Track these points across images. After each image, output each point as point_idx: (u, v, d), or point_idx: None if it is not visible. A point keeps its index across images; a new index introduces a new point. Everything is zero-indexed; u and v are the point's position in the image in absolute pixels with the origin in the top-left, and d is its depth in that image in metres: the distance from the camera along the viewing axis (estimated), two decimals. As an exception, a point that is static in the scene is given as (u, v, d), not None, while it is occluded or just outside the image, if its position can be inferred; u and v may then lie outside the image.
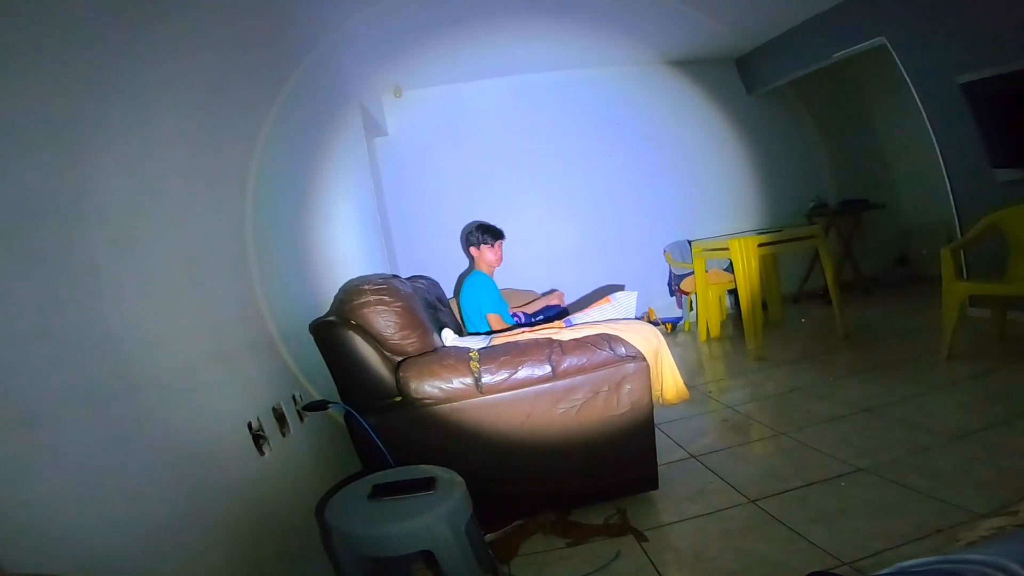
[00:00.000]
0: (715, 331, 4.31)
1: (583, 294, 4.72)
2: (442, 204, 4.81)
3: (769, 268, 4.31)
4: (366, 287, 1.86)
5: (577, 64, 4.90)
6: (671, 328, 4.77)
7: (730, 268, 3.94)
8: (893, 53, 3.71)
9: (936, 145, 3.65)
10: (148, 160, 1.27)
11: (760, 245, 3.56)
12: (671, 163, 5.12)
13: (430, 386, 1.72)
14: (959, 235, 3.53)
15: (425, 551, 1.28)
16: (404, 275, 2.75)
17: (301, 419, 1.77)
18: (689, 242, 4.66)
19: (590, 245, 4.98)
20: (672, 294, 4.95)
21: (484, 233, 3.25)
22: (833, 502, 1.73)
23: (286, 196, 2.15)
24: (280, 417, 1.63)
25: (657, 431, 1.90)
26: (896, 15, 3.63)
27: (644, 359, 1.83)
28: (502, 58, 4.51)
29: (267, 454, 1.49)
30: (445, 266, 4.45)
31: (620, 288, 4.39)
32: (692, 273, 4.32)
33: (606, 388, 1.79)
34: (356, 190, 3.22)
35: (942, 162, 3.64)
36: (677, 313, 4.97)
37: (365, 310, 1.80)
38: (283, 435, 1.62)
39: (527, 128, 4.93)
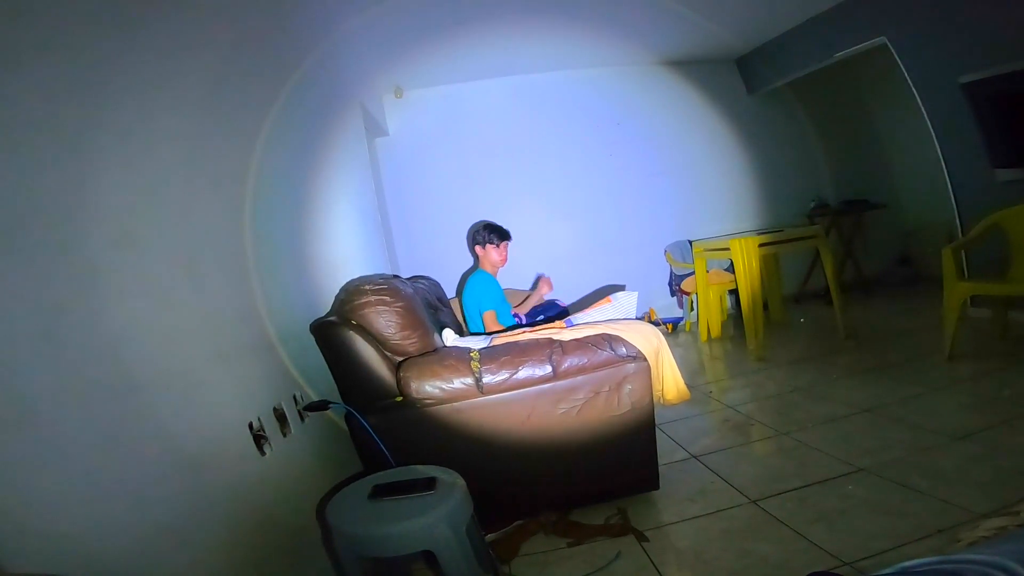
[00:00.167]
0: (716, 331, 4.31)
1: (584, 294, 4.72)
2: (443, 204, 4.81)
3: (770, 268, 4.30)
4: (367, 287, 1.86)
5: (578, 64, 4.90)
6: (672, 328, 4.76)
7: (731, 268, 3.94)
8: (894, 53, 3.70)
9: (937, 145, 3.65)
10: (149, 160, 1.27)
11: (761, 245, 3.56)
12: (672, 163, 5.12)
13: (431, 386, 1.72)
14: (960, 235, 3.53)
15: (426, 551, 1.28)
16: (405, 275, 2.75)
17: (302, 419, 1.77)
18: (690, 242, 4.66)
19: (591, 245, 4.98)
20: (673, 294, 4.95)
21: (491, 233, 3.27)
22: (834, 502, 1.72)
23: (287, 196, 2.15)
24: (281, 417, 1.63)
25: (658, 431, 1.90)
26: (897, 15, 3.62)
27: (645, 359, 1.83)
28: (503, 58, 4.51)
29: (268, 454, 1.49)
30: (446, 266, 4.44)
31: (621, 288, 4.38)
32: (693, 273, 4.32)
33: (607, 388, 1.79)
34: (357, 190, 3.22)
35: (943, 162, 3.64)
36: (678, 313, 4.97)
37: (366, 310, 1.80)
38: (284, 435, 1.62)
39: (528, 128, 4.93)
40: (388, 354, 1.81)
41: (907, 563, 0.52)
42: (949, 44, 3.35)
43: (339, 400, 1.77)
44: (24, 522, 0.80)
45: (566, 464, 1.83)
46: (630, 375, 1.80)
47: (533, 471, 1.82)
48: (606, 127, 5.05)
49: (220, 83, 1.68)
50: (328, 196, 2.64)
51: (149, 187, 1.25)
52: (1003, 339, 2.98)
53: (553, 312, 3.31)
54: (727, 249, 3.65)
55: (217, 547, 1.19)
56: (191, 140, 1.46)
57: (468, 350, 1.85)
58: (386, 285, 1.89)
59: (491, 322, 3.07)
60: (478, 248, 3.33)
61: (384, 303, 1.82)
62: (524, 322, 3.26)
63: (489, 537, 1.73)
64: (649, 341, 1.88)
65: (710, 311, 4.26)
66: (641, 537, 1.71)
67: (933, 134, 3.65)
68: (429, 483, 1.37)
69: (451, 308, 3.14)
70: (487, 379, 1.74)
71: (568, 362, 1.78)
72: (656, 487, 1.92)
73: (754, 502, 1.81)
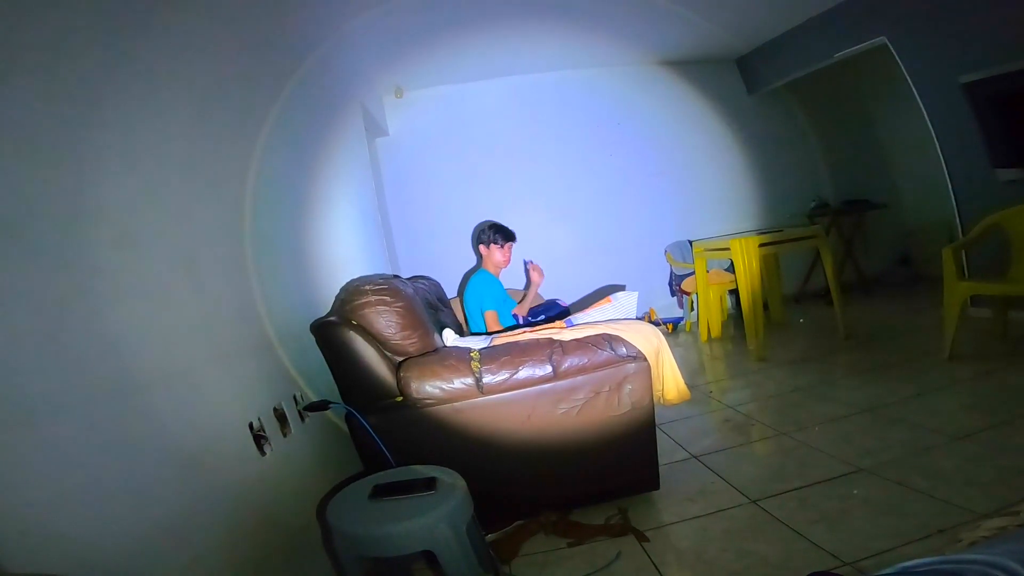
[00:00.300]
0: (716, 331, 4.31)
1: (584, 294, 4.72)
2: (443, 204, 4.81)
3: (770, 268, 4.30)
4: (367, 287, 1.86)
5: (578, 64, 4.91)
6: (672, 328, 4.76)
7: (731, 268, 3.94)
8: (894, 53, 3.70)
9: (937, 145, 3.65)
10: (149, 160, 1.27)
11: (761, 245, 3.55)
12: (672, 163, 5.12)
13: (431, 386, 1.72)
14: (960, 235, 3.53)
15: (426, 551, 1.28)
16: (405, 275, 2.75)
17: (302, 419, 1.77)
18: (690, 242, 4.66)
19: (591, 245, 4.98)
20: (673, 294, 4.95)
21: (496, 233, 3.28)
22: (834, 502, 1.72)
23: (287, 197, 2.15)
24: (281, 417, 1.63)
25: (658, 431, 1.90)
26: (897, 15, 3.62)
27: (645, 359, 1.83)
28: (503, 59, 4.51)
29: (268, 454, 1.49)
30: (446, 266, 4.45)
31: (621, 288, 4.38)
32: (693, 273, 4.32)
33: (607, 388, 1.79)
34: (357, 190, 3.22)
35: (943, 162, 3.64)
36: (678, 313, 4.97)
37: (366, 310, 1.80)
38: (284, 435, 1.62)
39: (528, 128, 4.93)
40: (388, 354, 1.81)
41: (907, 563, 0.52)
42: (949, 44, 3.35)
43: (339, 400, 1.77)
44: (24, 522, 0.80)
45: (566, 464, 1.82)
46: (630, 375, 1.80)
47: (533, 471, 1.82)
48: (606, 127, 5.05)
49: (220, 84, 1.68)
50: (328, 196, 2.64)
51: (149, 187, 1.25)
52: (1003, 339, 2.98)
53: (553, 312, 3.32)
54: (727, 249, 3.65)
55: (217, 547, 1.19)
56: (191, 140, 1.47)
57: (468, 350, 1.85)
58: (386, 285, 1.89)
59: (493, 322, 3.08)
60: (482, 247, 3.34)
61: (384, 303, 1.82)
62: (524, 322, 3.26)
63: (489, 537, 1.74)
64: (649, 341, 1.88)
65: (710, 311, 4.26)
66: (641, 537, 1.71)
67: (933, 134, 3.65)
68: (429, 483, 1.37)
69: (451, 308, 3.14)
70: (487, 379, 1.74)
71: (568, 362, 1.78)
72: (656, 487, 1.92)
73: (754, 502, 1.81)
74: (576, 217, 4.99)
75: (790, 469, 1.99)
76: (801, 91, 5.13)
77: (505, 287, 3.43)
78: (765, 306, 4.02)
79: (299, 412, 1.76)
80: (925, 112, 3.65)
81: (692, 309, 4.63)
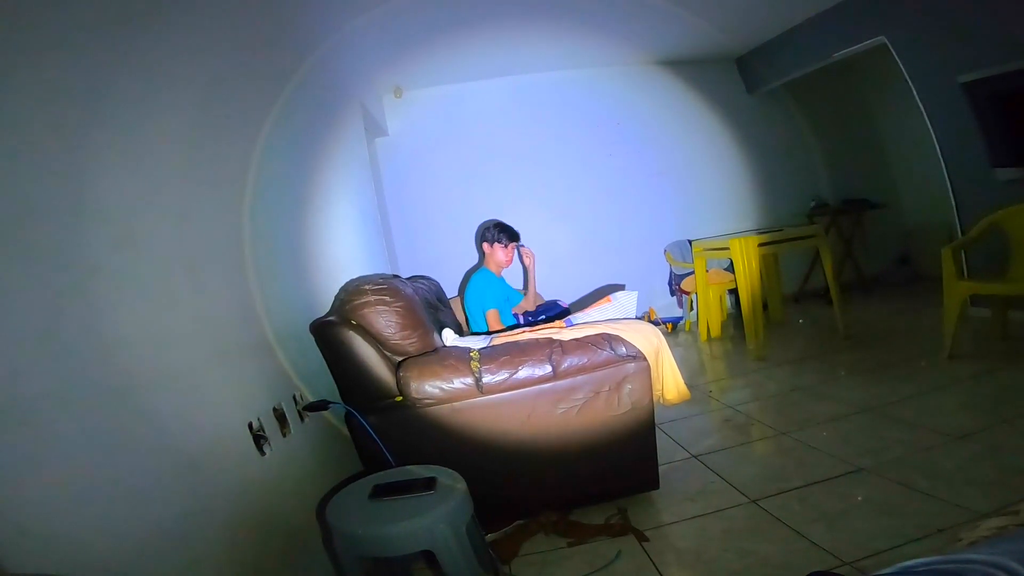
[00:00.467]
0: (716, 331, 4.31)
1: (583, 294, 4.72)
2: (443, 204, 4.81)
3: (770, 268, 4.30)
4: (367, 287, 1.86)
5: (578, 64, 4.90)
6: (672, 328, 4.76)
7: (731, 268, 3.94)
8: (893, 52, 3.70)
9: (937, 144, 3.65)
10: (149, 161, 1.27)
11: (761, 245, 3.56)
12: (672, 163, 5.12)
13: (431, 386, 1.72)
14: (960, 234, 3.53)
15: (426, 551, 1.28)
16: (405, 275, 2.75)
17: (302, 419, 1.77)
18: (690, 242, 4.66)
19: (591, 245, 4.98)
20: (672, 294, 4.95)
21: (501, 232, 3.28)
22: (834, 502, 1.72)
23: (287, 196, 2.14)
24: (281, 417, 1.63)
25: (658, 431, 1.90)
26: (897, 14, 3.62)
27: (645, 359, 1.83)
28: (503, 58, 4.50)
29: (268, 454, 1.49)
30: (446, 266, 4.44)
31: (620, 288, 4.38)
32: (693, 273, 4.32)
33: (607, 388, 1.79)
34: (356, 190, 3.22)
35: (943, 161, 3.64)
36: (678, 313, 4.97)
37: (366, 310, 1.81)
38: (284, 435, 1.62)
39: (528, 128, 4.93)
40: (388, 354, 1.81)
41: (907, 563, 0.52)
42: (949, 43, 3.35)
43: (339, 400, 1.77)
44: (24, 522, 0.80)
45: (566, 464, 1.82)
46: (630, 375, 1.80)
47: (533, 471, 1.82)
48: (606, 127, 5.05)
49: (220, 84, 1.68)
50: (328, 196, 2.64)
51: (149, 188, 1.25)
52: (1003, 338, 2.98)
53: (554, 312, 3.31)
54: (727, 249, 3.65)
55: (217, 547, 1.19)
56: (191, 140, 1.46)
57: (468, 350, 1.85)
58: (386, 285, 1.89)
59: (494, 321, 3.08)
60: (485, 245, 3.34)
61: (384, 303, 1.82)
62: (524, 322, 3.26)
63: (489, 537, 1.73)
64: (649, 341, 1.88)
65: (710, 311, 4.26)
66: (641, 537, 1.71)
67: (933, 133, 3.65)
68: (429, 483, 1.37)
69: (451, 308, 3.14)
70: (487, 379, 1.74)
71: (568, 362, 1.78)
72: (656, 487, 1.92)
73: (754, 502, 1.81)
74: (576, 217, 4.99)
75: (790, 469, 1.99)
76: (801, 91, 5.13)
77: (510, 283, 3.44)
78: (765, 306, 4.02)
79: (299, 412, 1.76)
80: (924, 111, 3.65)
81: (692, 309, 4.63)
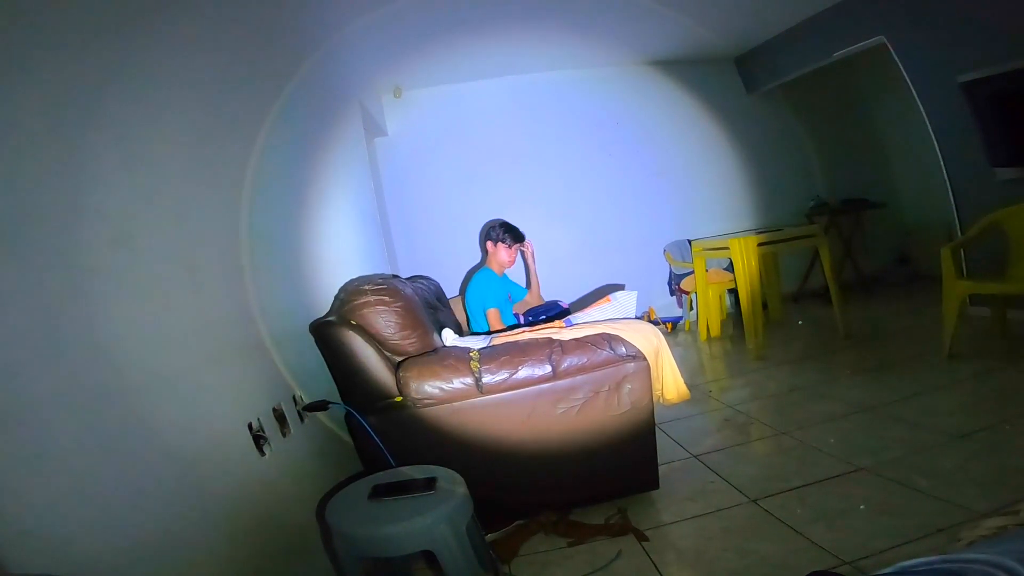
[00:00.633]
0: (715, 330, 4.31)
1: (583, 294, 4.72)
2: (442, 204, 4.81)
3: (769, 267, 4.30)
4: (366, 287, 1.86)
5: (578, 65, 4.90)
6: (671, 327, 4.76)
7: (730, 267, 3.94)
8: (893, 52, 3.70)
9: (936, 144, 3.65)
10: (148, 161, 1.27)
11: (760, 244, 3.56)
12: (671, 162, 5.12)
13: (430, 386, 1.72)
14: (959, 234, 3.53)
15: (426, 551, 1.28)
16: (404, 275, 2.75)
17: (301, 420, 1.77)
18: (689, 241, 4.66)
19: (590, 244, 4.98)
20: (672, 293, 4.95)
21: (505, 232, 3.28)
22: (834, 501, 1.72)
23: (286, 197, 2.14)
24: (280, 417, 1.63)
25: (658, 431, 1.90)
26: (896, 14, 3.62)
27: (644, 358, 1.83)
28: (502, 58, 4.50)
29: (267, 454, 1.49)
30: (445, 266, 4.45)
31: (620, 287, 4.38)
32: (692, 272, 4.32)
33: (606, 388, 1.79)
34: (356, 191, 3.22)
35: (942, 161, 3.64)
36: (677, 312, 4.96)
37: (365, 310, 1.80)
38: (283, 435, 1.62)
39: (527, 128, 4.93)
40: (387, 354, 1.81)
41: (907, 562, 0.52)
42: (948, 43, 3.35)
43: (339, 400, 1.77)
44: (23, 523, 0.80)
45: (566, 464, 1.82)
46: (630, 374, 1.80)
47: (533, 471, 1.82)
48: (606, 127, 5.04)
49: (219, 84, 1.68)
50: (327, 196, 2.64)
51: (147, 188, 1.25)
52: (1003, 337, 2.98)
53: (553, 312, 3.31)
54: (726, 248, 3.65)
55: (217, 547, 1.19)
56: (190, 141, 1.46)
57: (468, 350, 1.85)
58: (385, 285, 1.89)
59: (495, 320, 3.08)
60: (489, 244, 3.33)
61: (383, 303, 1.82)
62: (524, 322, 3.26)
63: (489, 537, 1.73)
64: (649, 340, 1.88)
65: (709, 310, 4.26)
66: (641, 537, 1.71)
67: (932, 133, 3.65)
68: (429, 483, 1.37)
69: (450, 308, 3.14)
70: (487, 379, 1.74)
71: (568, 362, 1.78)
72: (656, 486, 1.92)
73: (754, 501, 1.81)
74: (575, 217, 4.99)
75: (790, 468, 1.99)
76: (800, 90, 5.13)
77: (513, 278, 3.44)
78: (764, 305, 4.02)
79: (298, 412, 1.76)
80: (924, 111, 3.65)
81: (691, 308, 4.63)
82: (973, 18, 3.17)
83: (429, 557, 1.33)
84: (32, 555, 0.78)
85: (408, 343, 1.85)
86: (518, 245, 3.33)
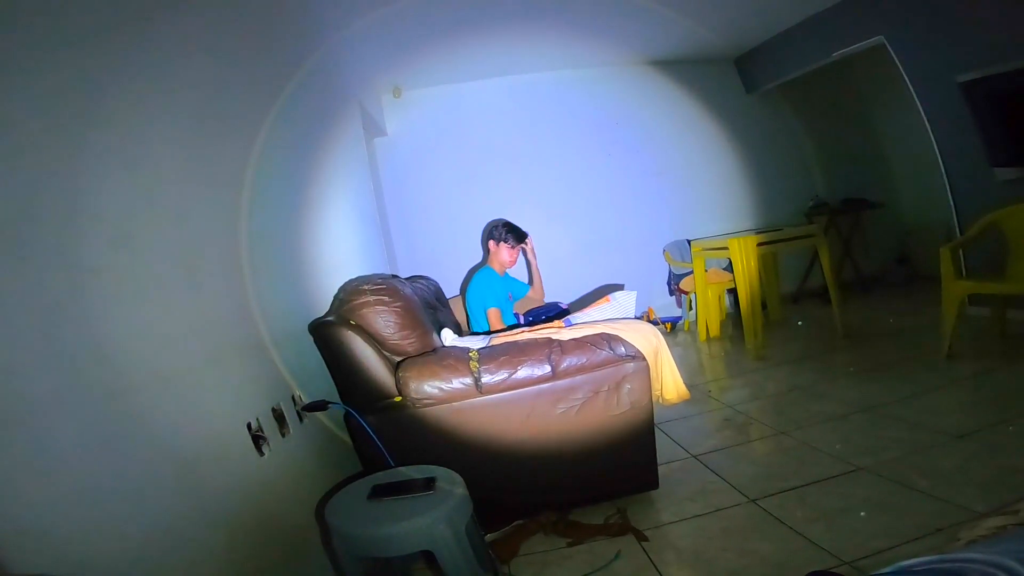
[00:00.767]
0: (715, 330, 4.31)
1: (582, 294, 4.72)
2: (441, 204, 4.81)
3: (768, 267, 4.31)
4: (365, 287, 1.86)
5: (577, 64, 4.90)
6: (671, 327, 4.77)
7: (729, 267, 3.94)
8: (892, 52, 3.70)
9: (935, 144, 3.65)
10: (147, 162, 1.27)
11: (759, 244, 3.56)
12: (671, 162, 5.12)
13: (430, 386, 1.72)
14: (958, 234, 3.53)
15: (425, 551, 1.28)
16: (404, 275, 2.75)
17: (301, 420, 1.77)
18: (688, 241, 4.66)
19: (589, 244, 4.98)
20: (671, 293, 4.95)
21: (508, 233, 3.29)
22: (834, 501, 1.72)
23: (286, 197, 2.14)
24: (280, 417, 1.63)
25: (657, 431, 1.90)
26: (895, 14, 3.63)
27: (644, 359, 1.83)
28: (501, 58, 4.50)
29: (267, 454, 1.49)
30: (445, 266, 4.44)
31: (619, 287, 4.38)
32: (691, 272, 4.32)
33: (606, 388, 1.79)
34: (355, 190, 3.22)
35: (941, 161, 3.64)
36: (676, 312, 4.97)
37: (365, 310, 1.80)
38: (283, 435, 1.61)
39: (527, 128, 4.93)
40: (387, 354, 1.81)
41: (906, 562, 0.52)
42: (947, 43, 3.36)
43: (338, 400, 1.77)
44: (23, 523, 0.79)
45: (565, 464, 1.82)
46: (629, 375, 1.80)
47: (532, 471, 1.82)
48: (605, 127, 5.05)
49: (218, 84, 1.68)
50: (327, 196, 2.63)
51: (147, 189, 1.25)
52: (1002, 337, 2.98)
53: (553, 312, 3.32)
54: (726, 248, 3.65)
55: (216, 547, 1.19)
56: (189, 141, 1.46)
57: (467, 350, 1.85)
58: (385, 285, 1.89)
59: (495, 319, 3.08)
60: (491, 243, 3.33)
61: (383, 303, 1.82)
62: (523, 322, 3.26)
63: (489, 537, 1.73)
64: (648, 340, 1.88)
65: (709, 310, 4.26)
66: (641, 537, 1.71)
67: (931, 133, 3.65)
68: (428, 483, 1.37)
69: (450, 308, 3.14)
70: (486, 379, 1.74)
71: (567, 362, 1.78)
72: (655, 486, 1.92)
73: (753, 501, 1.81)
74: (575, 216, 4.99)
75: (789, 468, 1.99)
76: (799, 90, 5.13)
77: (515, 275, 3.45)
78: (764, 305, 4.02)
79: (298, 412, 1.76)
80: (923, 111, 3.65)
81: (691, 308, 4.63)
82: (972, 18, 3.17)
83: (428, 557, 1.33)
84: (32, 555, 0.78)
85: (407, 343, 1.85)
86: (520, 245, 3.34)
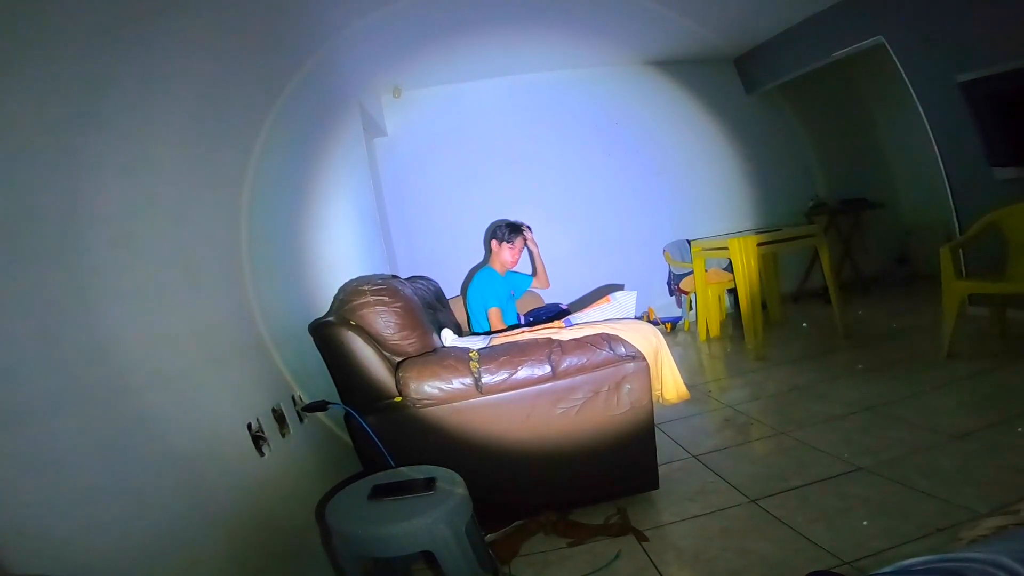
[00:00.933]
0: (715, 330, 4.31)
1: (582, 294, 4.72)
2: (441, 204, 4.81)
3: (768, 267, 4.30)
4: (365, 287, 1.86)
5: (576, 64, 4.90)
6: (671, 328, 4.76)
7: (729, 267, 3.94)
8: (891, 52, 3.71)
9: (935, 144, 3.65)
10: (147, 162, 1.27)
11: (759, 244, 3.56)
12: (670, 163, 5.12)
13: (430, 386, 1.72)
14: (958, 234, 3.53)
15: (425, 551, 1.28)
16: (404, 275, 2.75)
17: (301, 420, 1.77)
18: (688, 241, 4.66)
19: (590, 245, 4.98)
20: (672, 293, 4.95)
21: (511, 233, 3.28)
22: (834, 501, 1.72)
23: (285, 197, 2.14)
24: (280, 418, 1.63)
25: (657, 431, 1.90)
26: (894, 14, 3.63)
27: (644, 359, 1.83)
28: (501, 58, 4.50)
29: (267, 455, 1.49)
30: (445, 266, 4.44)
31: (619, 287, 4.38)
32: (692, 272, 4.32)
33: (606, 388, 1.79)
34: (355, 191, 3.22)
35: (941, 161, 3.64)
36: (677, 312, 4.97)
37: (365, 310, 1.80)
38: (283, 436, 1.61)
39: (526, 128, 4.93)
40: (387, 354, 1.80)
41: (906, 561, 0.52)
42: (947, 43, 3.36)
43: (338, 400, 1.77)
44: (23, 523, 0.79)
45: (565, 464, 1.82)
46: (629, 375, 1.80)
47: (532, 471, 1.82)
48: (605, 127, 5.05)
49: (218, 85, 1.68)
50: (327, 197, 2.64)
51: (147, 189, 1.25)
52: (1002, 337, 2.98)
53: (553, 312, 3.32)
54: (726, 248, 3.65)
55: (216, 548, 1.19)
56: (189, 142, 1.46)
57: (467, 350, 1.85)
58: (385, 285, 1.89)
59: (495, 319, 3.08)
60: (494, 243, 3.33)
61: (383, 303, 1.82)
62: (523, 322, 3.26)
63: (489, 537, 1.73)
64: (648, 340, 1.88)
65: (709, 310, 4.26)
66: (641, 537, 1.71)
67: (931, 133, 3.65)
68: (428, 483, 1.37)
69: (450, 308, 3.14)
70: (486, 379, 1.74)
71: (567, 362, 1.78)
72: (656, 487, 1.92)
73: (754, 501, 1.81)
74: (575, 217, 4.99)
75: (789, 468, 1.99)
76: (799, 91, 5.13)
77: (519, 268, 3.47)
78: (764, 305, 4.02)
79: (298, 413, 1.76)
80: (922, 111, 3.65)
81: (691, 308, 4.63)
82: (971, 18, 3.17)
83: (429, 557, 1.33)
84: (32, 555, 0.78)
85: (407, 343, 1.85)
86: (522, 242, 3.33)
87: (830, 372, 3.04)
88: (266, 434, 1.51)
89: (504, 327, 2.99)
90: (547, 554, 1.70)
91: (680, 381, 1.99)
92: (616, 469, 1.87)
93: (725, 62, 5.23)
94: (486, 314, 3.11)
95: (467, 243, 4.67)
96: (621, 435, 1.81)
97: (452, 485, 1.38)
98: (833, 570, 1.37)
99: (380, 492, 1.36)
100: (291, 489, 1.61)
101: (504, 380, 1.74)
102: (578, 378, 1.78)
